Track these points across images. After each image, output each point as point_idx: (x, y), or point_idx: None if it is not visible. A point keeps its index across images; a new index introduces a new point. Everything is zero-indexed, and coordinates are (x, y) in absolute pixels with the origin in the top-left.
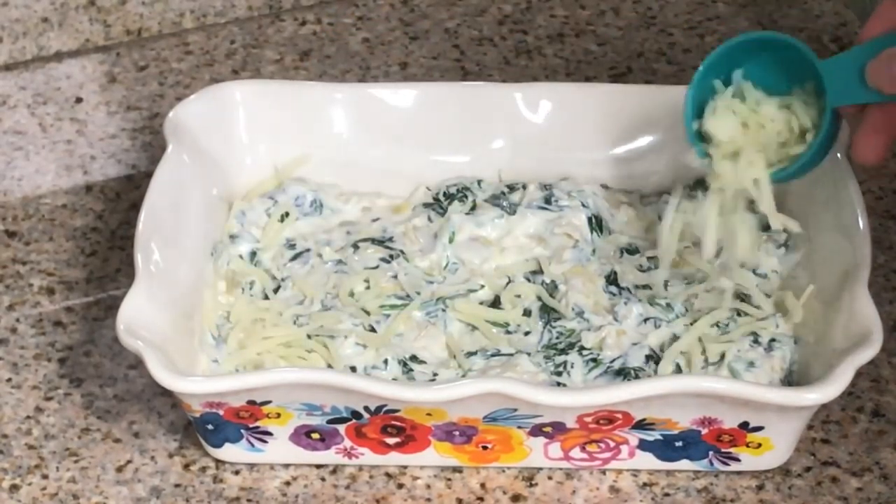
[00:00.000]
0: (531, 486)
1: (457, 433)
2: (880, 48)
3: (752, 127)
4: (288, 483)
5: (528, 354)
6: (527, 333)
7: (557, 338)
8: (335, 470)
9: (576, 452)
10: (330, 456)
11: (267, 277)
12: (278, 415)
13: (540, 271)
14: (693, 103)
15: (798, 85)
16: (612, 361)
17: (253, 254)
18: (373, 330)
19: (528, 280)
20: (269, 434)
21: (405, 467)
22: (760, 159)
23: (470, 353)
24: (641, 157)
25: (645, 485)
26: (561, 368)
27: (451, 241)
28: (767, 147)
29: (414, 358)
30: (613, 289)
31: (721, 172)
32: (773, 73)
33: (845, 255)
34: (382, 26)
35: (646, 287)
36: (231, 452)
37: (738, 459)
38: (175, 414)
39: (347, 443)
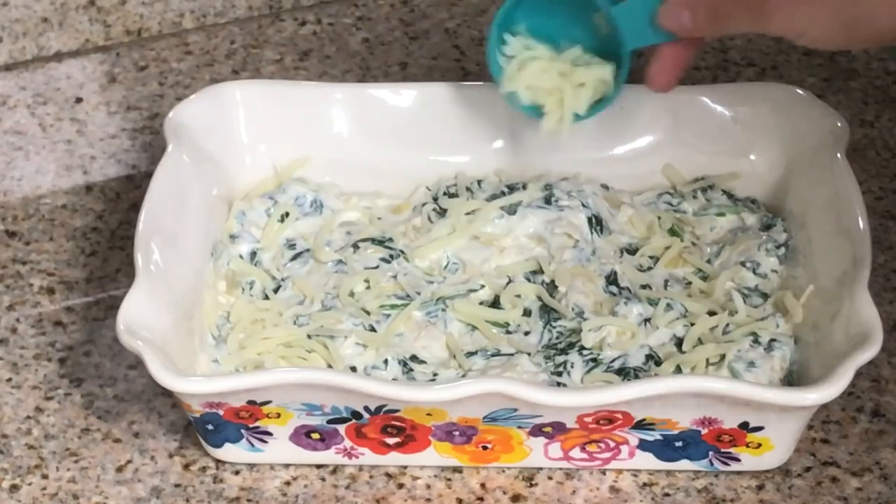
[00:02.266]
0: (531, 486)
1: (457, 433)
2: None
3: (555, 75)
4: (288, 483)
5: (528, 354)
6: (527, 333)
7: (557, 338)
8: (335, 470)
9: (576, 452)
10: (330, 456)
11: (267, 277)
12: (278, 415)
13: (540, 271)
14: (495, 51)
15: (592, 22)
16: (612, 361)
17: (253, 254)
18: (373, 330)
19: (528, 280)
20: (269, 434)
21: (405, 467)
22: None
23: (470, 353)
24: (641, 157)
25: (645, 485)
26: (561, 368)
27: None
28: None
29: (414, 358)
30: (613, 289)
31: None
32: (569, 14)
33: (845, 255)
34: (382, 26)
35: (646, 287)
36: (231, 452)
37: (738, 459)
38: (175, 414)
39: (347, 443)
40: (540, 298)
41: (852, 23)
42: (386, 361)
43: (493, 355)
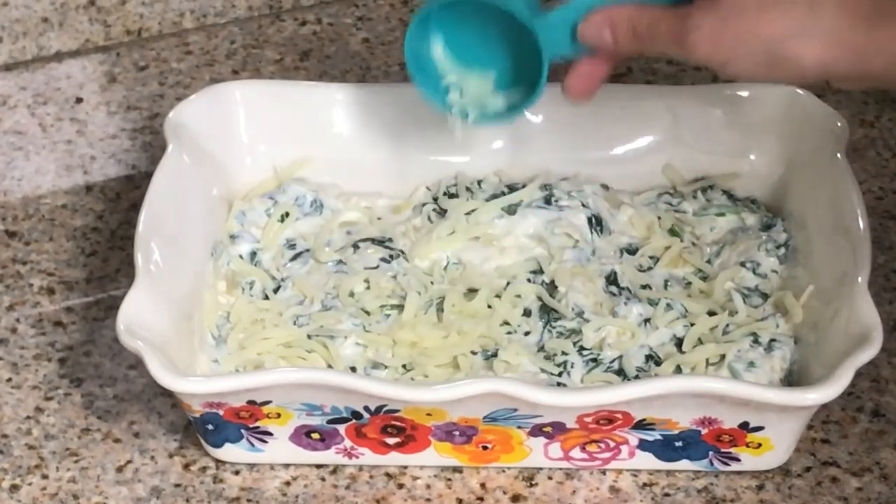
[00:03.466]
0: (531, 486)
1: (457, 433)
2: (586, 8)
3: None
4: (288, 483)
5: (529, 354)
6: (527, 333)
7: (557, 338)
8: (335, 470)
9: (576, 452)
10: (330, 456)
11: (267, 277)
12: (278, 415)
13: (540, 271)
14: (414, 61)
15: (511, 29)
16: (612, 361)
17: (253, 254)
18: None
19: (529, 280)
20: (269, 434)
21: (405, 467)
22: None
23: (470, 353)
24: (641, 157)
25: (645, 485)
26: (561, 368)
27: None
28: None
29: None
30: (613, 289)
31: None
32: (485, 21)
33: (845, 255)
34: (382, 26)
35: (646, 287)
36: (231, 452)
37: (738, 459)
38: (175, 414)
39: (347, 443)
40: (540, 298)
41: (775, 60)
42: None
43: (493, 355)
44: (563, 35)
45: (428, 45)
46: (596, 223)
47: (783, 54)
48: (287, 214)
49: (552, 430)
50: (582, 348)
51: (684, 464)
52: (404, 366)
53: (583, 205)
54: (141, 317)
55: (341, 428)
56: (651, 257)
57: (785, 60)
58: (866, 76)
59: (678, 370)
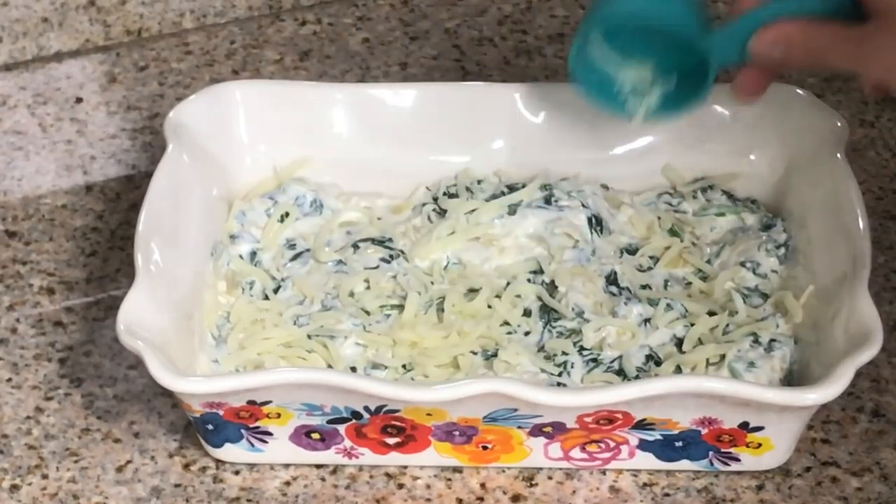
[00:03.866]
0: (531, 486)
1: (457, 433)
2: (756, 23)
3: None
4: (288, 483)
5: (529, 354)
6: (527, 333)
7: (557, 338)
8: (335, 470)
9: (576, 452)
10: (330, 456)
11: (267, 277)
12: (278, 415)
13: (540, 271)
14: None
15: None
16: (612, 361)
17: (253, 254)
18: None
19: (529, 280)
20: (269, 434)
21: (405, 467)
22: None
23: (470, 353)
24: (641, 157)
25: (645, 485)
26: (561, 368)
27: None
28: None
29: None
30: (613, 289)
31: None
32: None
33: (845, 255)
34: (382, 26)
35: (646, 287)
36: (231, 452)
37: (738, 459)
38: (175, 414)
39: (347, 443)
40: (540, 298)
41: None
42: None
43: (493, 355)
44: (731, 47)
45: (588, 45)
46: (596, 223)
47: None
48: (287, 214)
49: (552, 430)
50: (582, 348)
51: (684, 464)
52: (404, 366)
53: (583, 205)
54: (141, 317)
55: (341, 428)
56: (651, 257)
57: None
58: None
59: (678, 370)
